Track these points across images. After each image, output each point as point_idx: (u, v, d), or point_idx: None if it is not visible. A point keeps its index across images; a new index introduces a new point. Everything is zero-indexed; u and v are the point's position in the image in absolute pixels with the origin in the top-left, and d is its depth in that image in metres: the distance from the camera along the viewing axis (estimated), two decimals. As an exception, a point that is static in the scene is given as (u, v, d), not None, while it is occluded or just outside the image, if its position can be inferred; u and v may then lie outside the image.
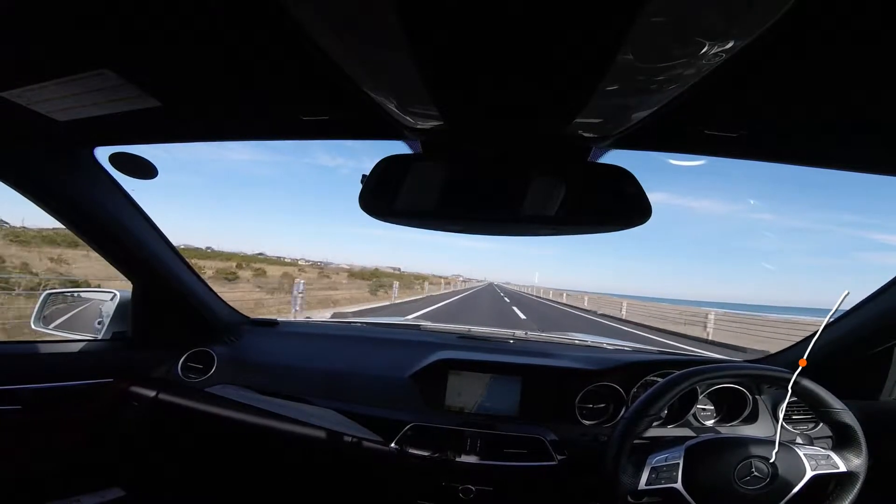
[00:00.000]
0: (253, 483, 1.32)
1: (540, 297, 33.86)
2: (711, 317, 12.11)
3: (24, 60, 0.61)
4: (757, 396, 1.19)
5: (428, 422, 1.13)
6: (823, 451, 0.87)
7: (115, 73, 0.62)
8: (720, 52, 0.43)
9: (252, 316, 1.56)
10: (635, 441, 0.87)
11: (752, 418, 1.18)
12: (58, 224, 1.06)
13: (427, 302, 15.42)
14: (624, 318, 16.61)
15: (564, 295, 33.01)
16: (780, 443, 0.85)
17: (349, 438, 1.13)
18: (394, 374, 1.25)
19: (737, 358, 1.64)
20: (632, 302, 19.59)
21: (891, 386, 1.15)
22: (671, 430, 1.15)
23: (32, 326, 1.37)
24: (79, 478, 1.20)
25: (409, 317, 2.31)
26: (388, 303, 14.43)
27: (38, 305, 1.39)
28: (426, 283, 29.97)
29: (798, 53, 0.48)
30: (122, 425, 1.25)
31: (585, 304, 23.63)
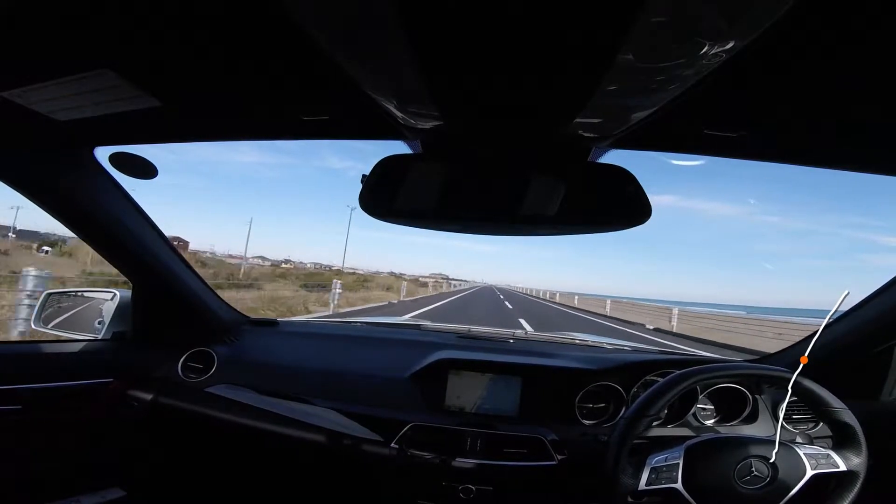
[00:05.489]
0: (253, 483, 1.32)
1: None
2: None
3: (24, 60, 0.61)
4: (757, 396, 1.19)
5: (428, 422, 1.13)
6: (823, 451, 0.87)
7: (115, 73, 0.62)
8: (720, 52, 0.43)
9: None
10: (635, 441, 0.87)
11: (752, 418, 1.18)
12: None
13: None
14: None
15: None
16: (780, 442, 0.85)
17: (349, 438, 1.13)
18: (394, 373, 1.25)
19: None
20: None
21: (891, 386, 1.15)
22: (671, 430, 1.15)
23: (32, 326, 1.37)
24: (79, 478, 1.20)
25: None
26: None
27: (38, 305, 1.39)
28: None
29: (798, 53, 0.48)
30: (122, 425, 1.25)
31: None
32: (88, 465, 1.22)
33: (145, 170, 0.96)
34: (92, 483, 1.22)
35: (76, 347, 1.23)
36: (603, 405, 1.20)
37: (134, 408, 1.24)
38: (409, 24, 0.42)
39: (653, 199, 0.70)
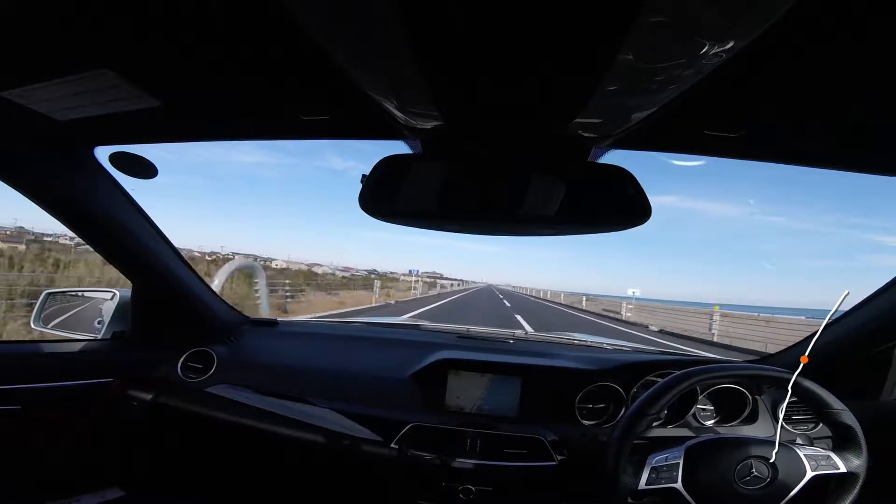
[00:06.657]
0: (253, 483, 1.32)
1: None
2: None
3: (24, 60, 0.61)
4: (757, 397, 1.19)
5: (428, 422, 1.13)
6: (823, 452, 0.87)
7: (115, 73, 0.62)
8: (720, 52, 0.43)
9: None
10: (635, 441, 0.87)
11: (752, 418, 1.18)
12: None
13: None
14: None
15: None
16: (780, 443, 0.85)
17: (349, 439, 1.13)
18: (394, 374, 1.25)
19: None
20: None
21: (891, 386, 1.15)
22: (671, 430, 1.15)
23: (32, 326, 1.37)
24: (79, 478, 1.20)
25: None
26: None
27: (37, 305, 1.39)
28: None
29: (798, 53, 0.48)
30: (122, 425, 1.25)
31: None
32: (88, 466, 1.22)
33: (145, 169, 0.96)
34: (92, 483, 1.22)
35: (76, 347, 1.23)
36: (603, 405, 1.20)
37: (134, 408, 1.24)
38: (409, 24, 0.42)
39: (653, 200, 0.71)
